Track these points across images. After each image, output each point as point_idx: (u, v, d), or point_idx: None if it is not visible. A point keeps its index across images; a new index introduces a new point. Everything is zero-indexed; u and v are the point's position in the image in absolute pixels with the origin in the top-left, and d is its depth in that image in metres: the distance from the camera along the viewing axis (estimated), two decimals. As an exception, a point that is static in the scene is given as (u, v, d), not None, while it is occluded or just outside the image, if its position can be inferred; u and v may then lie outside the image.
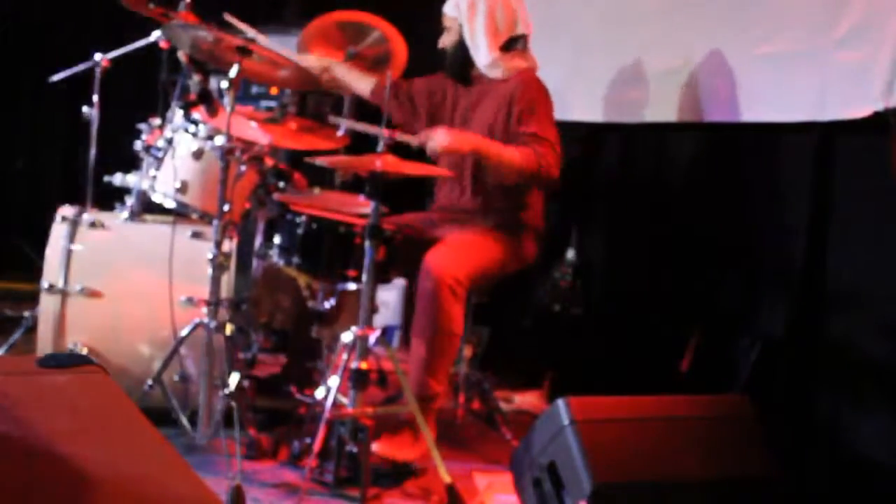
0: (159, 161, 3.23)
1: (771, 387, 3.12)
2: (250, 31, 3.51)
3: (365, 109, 3.96)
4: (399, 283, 4.52)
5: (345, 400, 2.85)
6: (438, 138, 3.13)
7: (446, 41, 3.48)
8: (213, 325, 3.02)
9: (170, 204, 3.22)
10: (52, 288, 3.22)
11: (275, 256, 3.19)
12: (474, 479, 3.11)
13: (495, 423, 3.55)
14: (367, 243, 2.83)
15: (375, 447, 2.98)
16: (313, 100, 4.65)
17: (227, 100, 3.02)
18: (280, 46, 3.32)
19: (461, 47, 3.42)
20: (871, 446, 2.81)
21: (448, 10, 3.45)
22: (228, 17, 3.50)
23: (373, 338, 2.91)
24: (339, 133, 3.76)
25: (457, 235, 3.32)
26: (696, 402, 2.70)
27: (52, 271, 3.24)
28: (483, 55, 3.37)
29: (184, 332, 3.06)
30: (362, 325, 2.86)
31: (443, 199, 3.55)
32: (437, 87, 3.60)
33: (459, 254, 3.19)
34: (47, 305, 3.22)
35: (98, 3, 5.18)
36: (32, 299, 3.43)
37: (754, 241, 3.37)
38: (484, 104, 3.42)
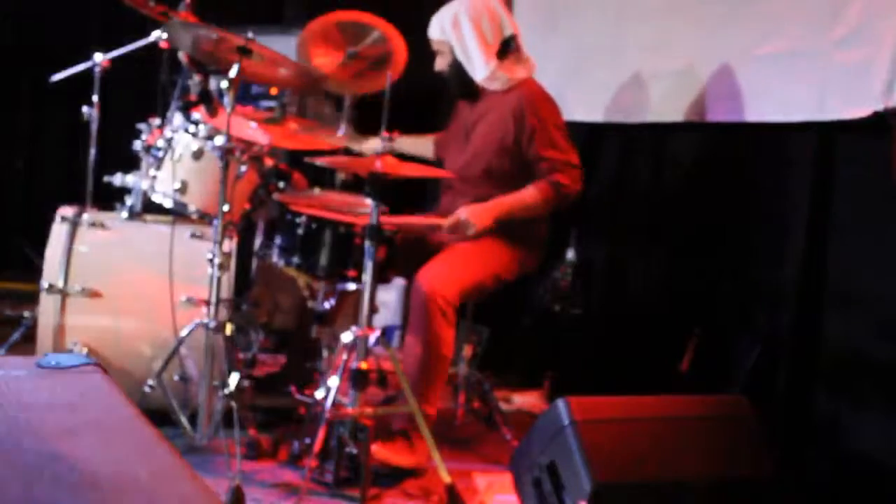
0: (159, 161, 3.23)
1: (771, 387, 3.12)
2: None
3: (366, 111, 3.96)
4: (399, 283, 4.51)
5: (345, 400, 2.85)
6: (469, 223, 3.14)
7: (441, 64, 3.45)
8: (213, 325, 3.02)
9: (169, 204, 3.22)
10: (52, 288, 3.22)
11: (275, 256, 3.19)
12: (474, 479, 3.11)
13: (495, 423, 3.55)
14: (367, 243, 2.84)
15: (373, 450, 2.97)
16: (313, 100, 4.64)
17: (227, 100, 3.02)
18: None
19: (457, 67, 3.39)
20: (871, 446, 2.80)
21: (433, 34, 3.42)
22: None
23: (373, 338, 2.91)
24: (339, 133, 3.76)
25: (453, 248, 3.29)
26: (696, 402, 2.70)
27: (52, 271, 3.23)
28: (480, 69, 3.34)
29: (184, 333, 3.06)
30: (362, 325, 2.86)
31: (445, 203, 3.54)
32: (452, 119, 3.60)
33: (453, 270, 3.16)
34: (47, 305, 3.22)
35: (98, 3, 5.19)
36: (32, 299, 3.43)
37: (754, 241, 3.37)
38: (489, 118, 3.39)
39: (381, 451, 3.01)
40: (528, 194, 3.26)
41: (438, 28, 3.39)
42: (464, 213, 3.17)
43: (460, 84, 3.43)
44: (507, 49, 3.38)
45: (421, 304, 3.06)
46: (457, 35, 3.35)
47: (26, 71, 5.36)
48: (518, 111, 3.31)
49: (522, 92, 3.33)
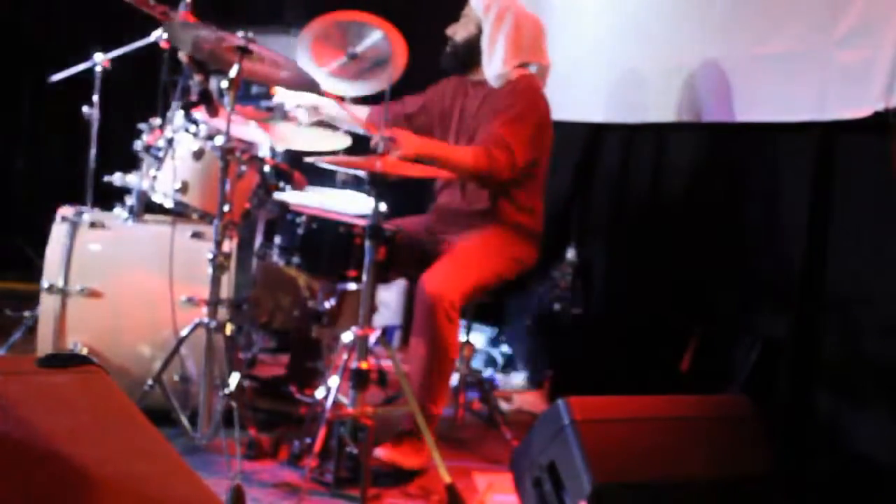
0: (159, 161, 3.23)
1: (771, 387, 3.12)
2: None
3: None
4: (399, 283, 4.51)
5: (345, 400, 2.85)
6: (396, 144, 3.06)
7: (458, 31, 3.46)
8: (213, 325, 3.02)
9: (170, 204, 3.22)
10: (52, 288, 3.22)
11: (275, 256, 3.19)
12: (474, 479, 3.11)
13: (495, 423, 3.55)
14: (367, 243, 2.84)
15: (381, 453, 2.98)
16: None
17: (227, 100, 3.02)
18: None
19: (471, 45, 3.41)
20: (871, 446, 2.80)
21: (476, 4, 3.42)
22: None
23: (373, 338, 2.91)
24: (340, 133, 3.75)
25: (454, 250, 3.29)
26: (696, 402, 2.70)
27: (52, 271, 3.23)
28: (496, 66, 3.35)
29: (184, 332, 3.06)
30: (362, 325, 2.86)
31: (442, 201, 3.54)
32: (436, 98, 3.59)
33: (456, 273, 3.16)
34: (47, 305, 3.22)
35: (98, 3, 5.18)
36: (32, 299, 3.43)
37: (754, 241, 3.36)
38: (483, 110, 3.41)
39: (390, 454, 3.01)
40: (462, 152, 3.24)
41: (485, 4, 3.39)
42: (398, 132, 3.12)
43: (458, 59, 3.46)
44: (524, 67, 3.39)
45: (426, 307, 3.06)
46: (495, 24, 3.36)
47: (26, 71, 5.36)
48: (506, 97, 3.32)
49: (517, 84, 3.35)
